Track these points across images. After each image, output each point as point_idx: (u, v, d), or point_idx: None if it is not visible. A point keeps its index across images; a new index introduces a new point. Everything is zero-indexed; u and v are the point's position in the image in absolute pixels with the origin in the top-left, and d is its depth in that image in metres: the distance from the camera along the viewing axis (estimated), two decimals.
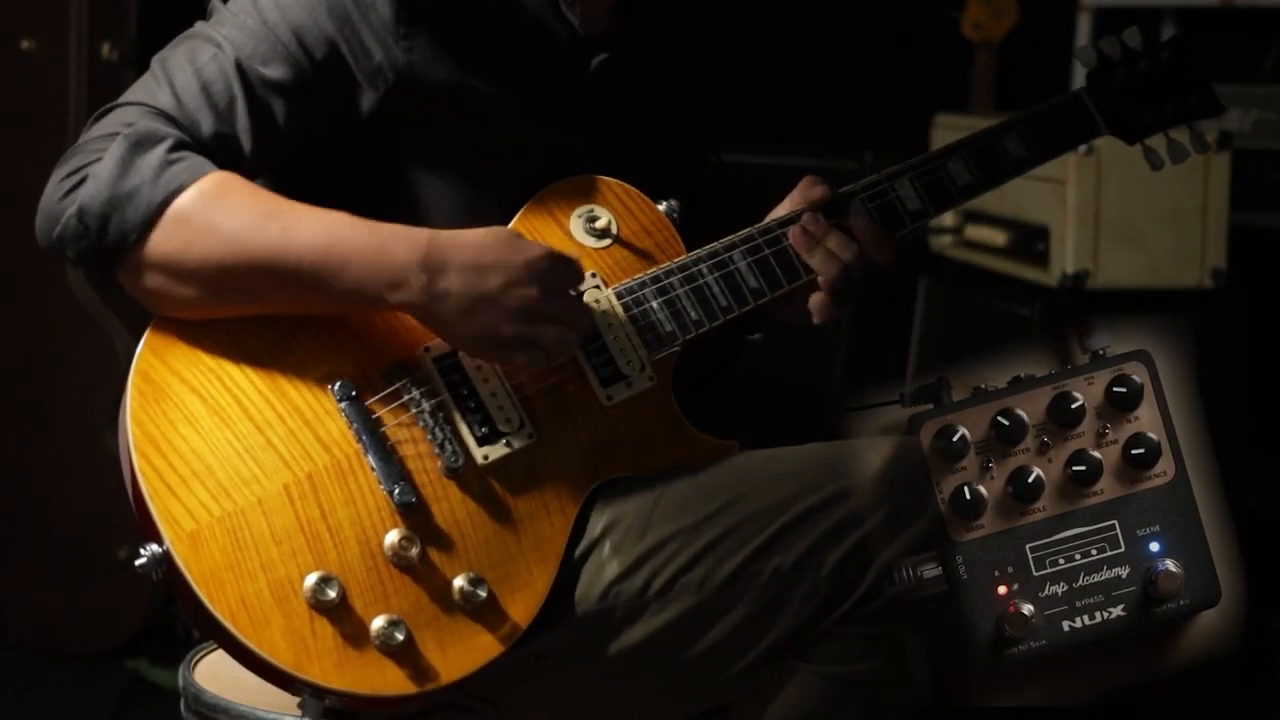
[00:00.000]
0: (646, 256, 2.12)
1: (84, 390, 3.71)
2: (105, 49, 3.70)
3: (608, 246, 2.11)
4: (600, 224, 2.10)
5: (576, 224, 2.11)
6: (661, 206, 2.14)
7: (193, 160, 1.93)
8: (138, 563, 1.87)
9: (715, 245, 2.11)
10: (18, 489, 3.80)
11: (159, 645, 3.71)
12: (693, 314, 2.08)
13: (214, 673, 2.11)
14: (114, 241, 1.91)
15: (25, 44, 3.71)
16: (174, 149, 1.92)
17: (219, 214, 1.91)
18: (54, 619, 3.80)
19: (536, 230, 2.09)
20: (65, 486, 3.74)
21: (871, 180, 2.17)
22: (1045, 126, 2.22)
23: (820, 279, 2.12)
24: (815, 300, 2.13)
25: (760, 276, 2.11)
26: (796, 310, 2.15)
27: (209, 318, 1.95)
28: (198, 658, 2.17)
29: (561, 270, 1.97)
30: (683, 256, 2.11)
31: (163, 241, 1.91)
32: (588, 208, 2.11)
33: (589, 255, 2.10)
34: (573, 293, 1.99)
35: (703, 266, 2.10)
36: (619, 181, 2.14)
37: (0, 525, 3.81)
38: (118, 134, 1.92)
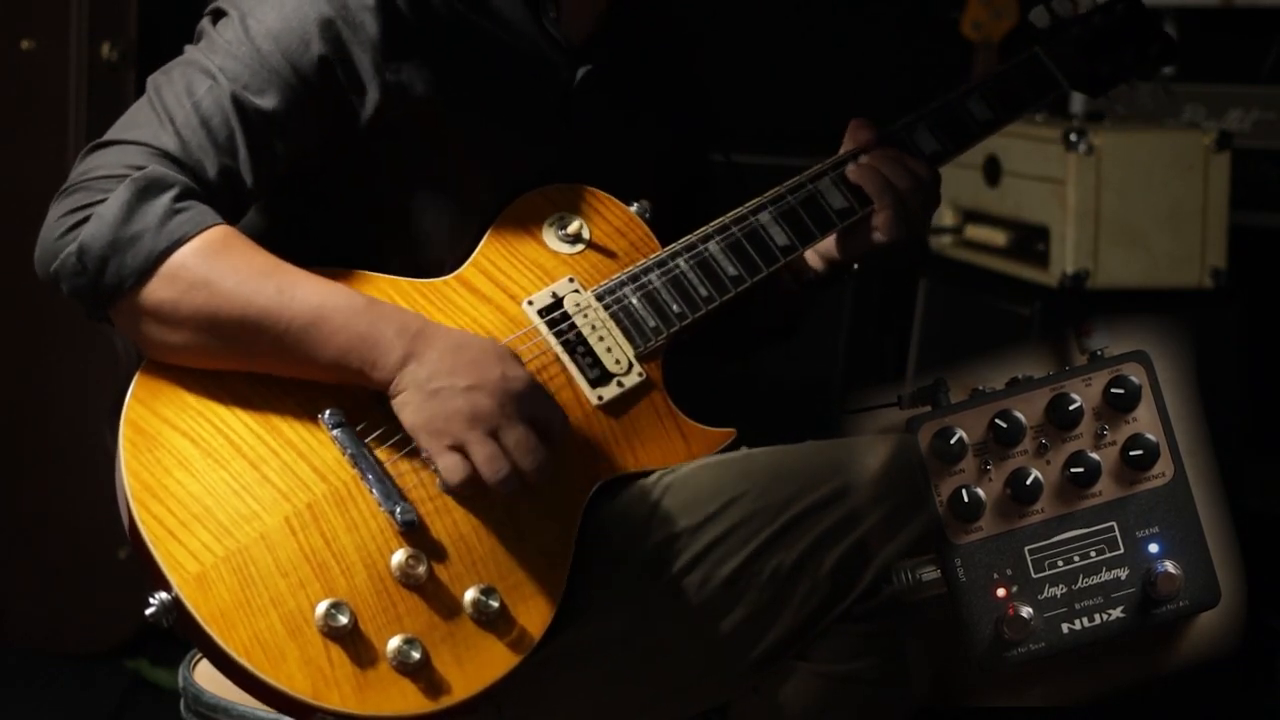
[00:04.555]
0: (622, 257, 2.12)
1: (84, 390, 3.71)
2: (105, 49, 3.69)
3: (582, 251, 2.11)
4: (571, 229, 2.11)
5: (549, 233, 2.11)
6: (633, 208, 2.15)
7: (197, 211, 1.93)
8: (148, 612, 1.87)
9: (691, 237, 2.12)
10: (17, 489, 3.79)
11: (159, 645, 3.70)
12: (674, 306, 2.09)
13: (214, 673, 2.11)
14: (110, 284, 1.91)
15: (25, 44, 3.71)
16: (180, 198, 1.92)
17: (217, 268, 1.91)
18: (54, 619, 3.80)
19: (510, 243, 2.09)
20: (65, 486, 3.74)
21: (838, 159, 2.19)
22: (1006, 87, 2.24)
23: (880, 205, 2.15)
24: (878, 219, 2.16)
25: (737, 263, 2.11)
26: (859, 241, 2.18)
27: (194, 366, 1.96)
28: (197, 657, 2.17)
29: (535, 407, 1.93)
30: (659, 252, 2.11)
31: (158, 290, 1.91)
32: (558, 215, 2.12)
33: (564, 262, 2.10)
34: (533, 434, 1.91)
35: (680, 259, 2.10)
36: (586, 187, 2.14)
37: (0, 525, 3.81)
38: (124, 175, 1.92)
